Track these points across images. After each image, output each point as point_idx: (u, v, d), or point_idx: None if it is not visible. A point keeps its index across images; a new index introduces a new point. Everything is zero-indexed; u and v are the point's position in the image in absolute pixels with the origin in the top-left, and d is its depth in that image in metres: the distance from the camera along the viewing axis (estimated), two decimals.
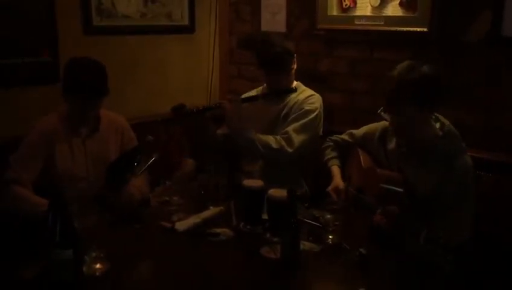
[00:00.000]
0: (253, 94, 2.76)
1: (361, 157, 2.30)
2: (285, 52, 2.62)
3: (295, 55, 2.68)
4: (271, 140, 2.53)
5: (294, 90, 2.67)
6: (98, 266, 1.73)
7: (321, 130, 2.68)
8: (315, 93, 2.69)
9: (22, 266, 1.73)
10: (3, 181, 2.22)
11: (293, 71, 2.69)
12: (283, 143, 2.52)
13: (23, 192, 2.20)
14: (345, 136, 2.52)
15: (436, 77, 1.99)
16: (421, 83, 1.95)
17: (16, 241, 2.07)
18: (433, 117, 2.08)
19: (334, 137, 2.57)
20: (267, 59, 2.63)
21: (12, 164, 2.25)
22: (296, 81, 2.74)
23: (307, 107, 2.61)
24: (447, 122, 2.07)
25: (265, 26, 3.51)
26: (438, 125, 2.06)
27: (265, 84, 2.80)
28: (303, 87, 2.74)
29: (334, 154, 2.51)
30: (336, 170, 2.44)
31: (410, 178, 2.07)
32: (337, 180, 2.38)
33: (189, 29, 3.58)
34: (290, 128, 2.56)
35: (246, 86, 3.51)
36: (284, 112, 2.66)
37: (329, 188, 2.34)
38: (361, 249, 1.83)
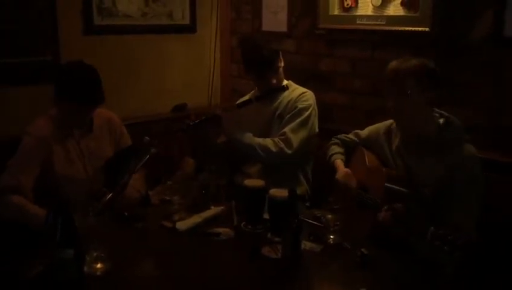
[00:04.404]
0: (246, 98, 2.76)
1: (366, 156, 2.29)
2: (271, 53, 2.62)
3: (280, 52, 2.69)
4: (270, 143, 2.53)
5: (286, 88, 2.68)
6: (99, 265, 1.73)
7: (317, 126, 2.68)
8: (307, 90, 2.70)
9: (24, 265, 1.72)
10: (0, 188, 2.19)
11: (281, 69, 2.70)
12: (282, 145, 2.53)
13: (20, 201, 2.15)
14: (350, 136, 2.52)
15: (428, 63, 2.06)
16: (418, 66, 2.04)
17: (18, 241, 2.06)
18: (437, 114, 2.10)
19: (340, 136, 2.57)
20: (254, 63, 2.64)
21: (10, 169, 2.22)
22: (287, 80, 2.74)
23: (300, 106, 2.61)
24: (451, 116, 2.09)
25: (266, 26, 3.50)
26: (441, 120, 2.09)
27: (256, 88, 2.80)
28: (294, 85, 2.74)
29: (338, 150, 2.51)
30: (339, 162, 2.42)
31: (417, 172, 2.07)
32: (343, 168, 2.36)
33: (191, 28, 3.58)
34: (287, 129, 2.56)
35: (247, 85, 3.50)
36: (278, 111, 2.67)
37: (338, 175, 2.31)
38: (362, 249, 1.83)
